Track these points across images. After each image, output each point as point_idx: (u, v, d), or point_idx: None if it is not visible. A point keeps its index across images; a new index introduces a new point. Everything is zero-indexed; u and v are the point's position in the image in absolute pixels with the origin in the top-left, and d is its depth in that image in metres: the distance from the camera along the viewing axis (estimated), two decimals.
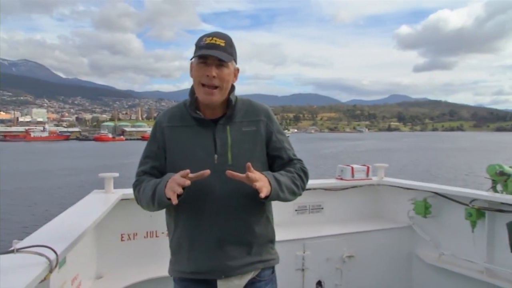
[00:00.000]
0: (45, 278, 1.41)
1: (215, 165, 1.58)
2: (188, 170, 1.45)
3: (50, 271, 1.44)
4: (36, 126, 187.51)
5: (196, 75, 1.60)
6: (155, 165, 1.66)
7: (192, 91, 1.66)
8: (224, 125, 1.65)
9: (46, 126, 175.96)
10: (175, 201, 1.43)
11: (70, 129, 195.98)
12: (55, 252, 1.51)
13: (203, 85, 1.58)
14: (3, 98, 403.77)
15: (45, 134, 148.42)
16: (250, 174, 1.47)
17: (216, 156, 1.60)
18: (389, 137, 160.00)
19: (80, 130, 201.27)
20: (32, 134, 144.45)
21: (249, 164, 1.48)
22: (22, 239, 1.67)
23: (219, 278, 1.62)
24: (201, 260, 1.61)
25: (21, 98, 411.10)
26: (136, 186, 1.67)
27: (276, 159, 1.73)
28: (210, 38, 1.58)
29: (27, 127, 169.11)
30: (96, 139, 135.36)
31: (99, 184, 3.09)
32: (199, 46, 1.58)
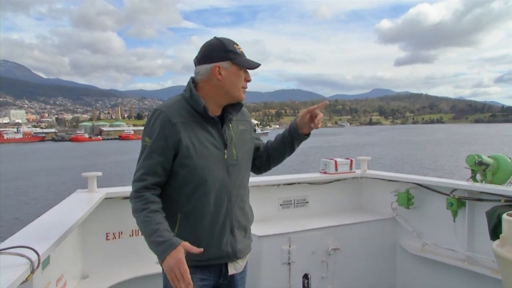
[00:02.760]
0: (27, 279, 1.38)
1: (224, 160, 1.74)
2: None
3: (32, 272, 1.42)
4: (12, 127, 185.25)
5: (240, 79, 1.75)
6: (161, 160, 1.66)
7: (194, 89, 1.75)
8: (227, 123, 1.81)
9: (21, 127, 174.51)
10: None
11: (46, 130, 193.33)
12: (36, 252, 1.49)
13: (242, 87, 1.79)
14: None
15: (19, 136, 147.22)
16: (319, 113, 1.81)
17: (225, 151, 1.75)
18: (367, 131, 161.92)
19: (56, 131, 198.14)
20: (5, 136, 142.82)
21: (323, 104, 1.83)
22: (2, 241, 1.65)
23: (231, 261, 1.80)
24: (219, 247, 1.74)
25: (0, 99, 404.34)
26: (138, 202, 1.63)
27: (259, 146, 1.98)
28: (239, 46, 1.76)
29: (0, 129, 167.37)
30: (72, 140, 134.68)
31: (80, 184, 3.14)
32: (236, 52, 1.74)
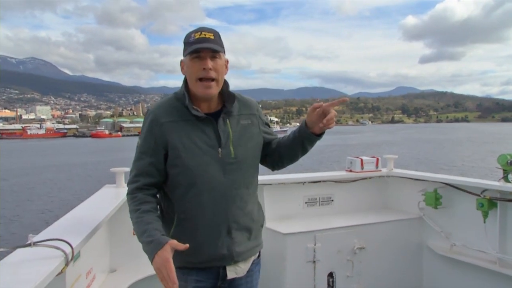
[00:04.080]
0: (61, 271, 1.43)
1: (219, 158, 1.65)
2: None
3: (66, 264, 1.45)
4: (37, 123, 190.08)
5: (192, 70, 1.62)
6: (152, 161, 1.64)
7: (185, 87, 1.69)
8: (224, 119, 1.70)
9: (44, 123, 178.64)
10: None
11: (68, 126, 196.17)
12: (70, 245, 1.52)
13: (200, 79, 1.62)
14: (10, 96, 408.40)
15: (42, 132, 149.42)
16: (332, 110, 1.59)
17: (220, 149, 1.66)
18: (388, 130, 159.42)
19: (77, 127, 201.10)
20: (29, 132, 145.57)
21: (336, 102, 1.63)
22: (36, 234, 1.69)
23: (229, 264, 1.71)
24: (213, 249, 1.67)
25: (28, 95, 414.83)
26: (132, 204, 1.65)
27: (271, 141, 1.85)
28: (199, 33, 1.61)
29: (24, 125, 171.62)
30: (92, 136, 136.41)
31: (106, 180, 3.20)
32: (189, 42, 1.62)
